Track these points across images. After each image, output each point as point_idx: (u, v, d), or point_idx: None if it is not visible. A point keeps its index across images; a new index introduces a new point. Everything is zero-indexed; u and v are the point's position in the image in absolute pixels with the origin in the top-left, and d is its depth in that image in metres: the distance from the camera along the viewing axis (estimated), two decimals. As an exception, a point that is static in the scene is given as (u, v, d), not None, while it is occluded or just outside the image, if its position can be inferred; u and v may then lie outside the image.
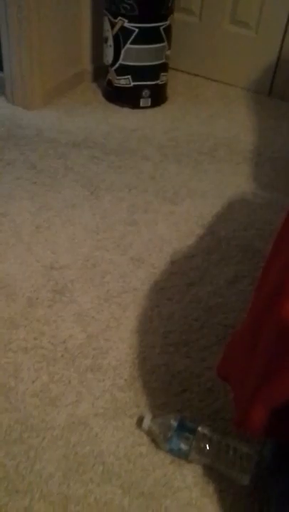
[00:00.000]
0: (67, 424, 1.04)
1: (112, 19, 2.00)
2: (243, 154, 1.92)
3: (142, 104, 2.15)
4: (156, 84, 2.14)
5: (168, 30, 2.05)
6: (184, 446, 0.97)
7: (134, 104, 2.14)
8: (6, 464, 0.97)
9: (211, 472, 0.97)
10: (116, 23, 2.00)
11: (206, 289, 1.37)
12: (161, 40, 2.05)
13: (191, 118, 2.12)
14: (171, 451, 0.98)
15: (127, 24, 1.98)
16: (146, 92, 2.13)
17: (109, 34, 2.04)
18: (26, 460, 0.98)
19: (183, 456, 0.97)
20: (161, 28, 2.02)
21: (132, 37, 2.00)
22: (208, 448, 0.96)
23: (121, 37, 2.02)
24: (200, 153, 1.91)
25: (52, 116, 2.05)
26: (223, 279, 1.40)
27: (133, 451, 1.00)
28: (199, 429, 0.98)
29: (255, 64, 2.26)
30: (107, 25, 2.04)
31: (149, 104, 2.15)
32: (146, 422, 1.00)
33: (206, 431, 0.98)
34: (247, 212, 1.64)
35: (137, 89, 2.11)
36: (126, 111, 2.13)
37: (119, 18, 1.97)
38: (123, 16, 1.96)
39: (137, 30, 1.99)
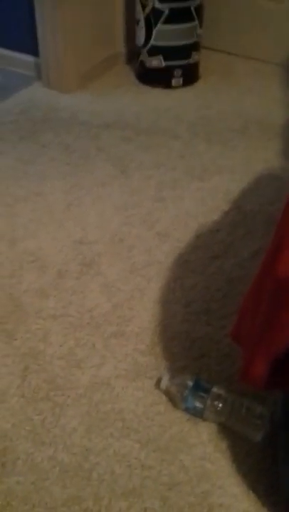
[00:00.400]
0: (91, 384, 1.11)
1: (143, 0, 2.03)
2: (274, 130, 1.91)
3: (173, 84, 2.17)
4: (188, 64, 2.15)
5: (199, 9, 2.06)
6: (198, 405, 1.01)
7: (166, 84, 2.17)
8: (34, 419, 1.05)
9: (225, 430, 1.02)
10: (147, 4, 2.02)
11: (229, 261, 1.40)
12: (192, 19, 2.06)
13: (222, 96, 2.13)
14: (186, 410, 1.03)
15: (157, 5, 2.00)
16: (177, 72, 2.15)
17: (140, 15, 2.07)
18: (52, 415, 1.05)
19: (198, 414, 1.02)
20: (192, 7, 2.03)
21: (163, 17, 2.03)
22: (221, 406, 1.00)
23: (152, 18, 2.04)
24: (230, 131, 1.92)
25: (86, 98, 2.11)
26: (247, 252, 1.42)
27: (151, 410, 1.06)
28: (214, 389, 1.02)
29: (287, 39, 2.23)
30: (138, 7, 2.07)
31: (181, 83, 2.17)
32: (164, 382, 1.06)
33: (220, 391, 1.02)
34: (274, 187, 1.64)
35: (168, 69, 2.14)
36: (158, 91, 2.16)
37: (150, -1, 2.00)
38: (153, -4, 1.99)
39: (167, 10, 2.01)
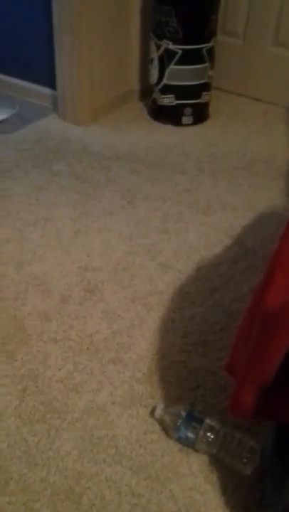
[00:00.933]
0: (87, 409, 1.12)
1: (158, 41, 2.13)
2: (279, 170, 1.97)
3: (184, 122, 2.25)
4: (198, 103, 2.24)
5: (211, 51, 2.16)
6: (190, 435, 1.03)
7: (177, 122, 2.25)
8: (28, 440, 1.06)
9: (216, 462, 1.03)
10: (161, 45, 2.12)
11: (229, 295, 1.43)
12: (203, 61, 2.15)
13: (230, 135, 2.20)
14: (179, 439, 1.05)
15: (171, 46, 2.10)
16: (188, 110, 2.23)
17: (154, 55, 2.17)
18: (47, 438, 1.07)
19: (190, 444, 1.04)
20: (204, 50, 2.13)
21: (176, 58, 2.12)
22: (213, 438, 1.01)
23: (165, 58, 2.14)
24: (236, 168, 1.98)
25: (99, 131, 2.19)
26: (246, 287, 1.45)
27: (145, 438, 1.07)
28: (207, 420, 1.04)
29: (298, 84, 2.32)
30: (153, 48, 2.17)
31: (191, 121, 2.25)
32: (158, 411, 1.07)
33: (213, 423, 1.04)
34: (277, 225, 1.69)
35: (179, 107, 2.22)
36: (168, 128, 2.24)
37: (164, 40, 2.10)
38: (168, 38, 2.09)
39: (180, 51, 2.10)
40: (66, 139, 2.12)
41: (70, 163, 1.97)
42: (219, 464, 1.03)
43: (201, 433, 1.02)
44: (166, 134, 2.20)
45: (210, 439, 1.01)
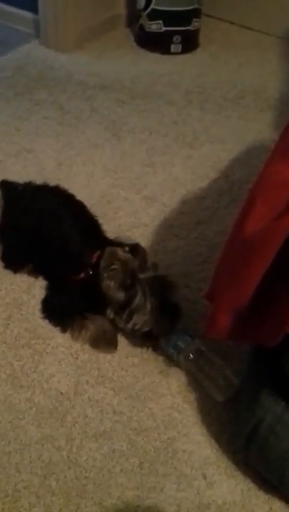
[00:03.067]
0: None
1: None
2: (269, 102, 1.92)
3: (172, 50, 2.16)
4: (188, 30, 2.14)
5: (202, -27, 2.04)
6: (175, 350, 1.07)
7: (165, 50, 2.16)
8: (14, 364, 1.10)
9: (194, 383, 1.07)
10: None
11: (213, 228, 1.43)
12: (194, -16, 2.04)
13: (221, 65, 2.12)
14: (166, 350, 1.09)
15: None
16: (177, 38, 2.14)
17: (142, -23, 2.05)
18: (31, 362, 1.10)
19: (173, 357, 1.08)
20: (195, -29, 2.01)
21: (165, -20, 2.00)
22: (192, 357, 1.05)
23: (154, -20, 2.02)
24: (225, 100, 1.93)
25: (83, 59, 2.10)
26: (230, 219, 1.45)
27: (126, 361, 1.11)
28: (195, 340, 1.07)
29: (292, 11, 2.21)
30: None
31: (180, 50, 2.16)
32: None
33: (199, 345, 1.07)
34: (264, 158, 1.66)
35: (168, 34, 2.12)
36: (156, 56, 2.15)
37: None
38: None
39: (169, -28, 1.99)
40: (49, 66, 2.04)
41: (53, 92, 1.90)
42: (197, 385, 1.07)
43: (186, 350, 1.06)
44: (153, 62, 2.12)
45: (190, 357, 1.06)
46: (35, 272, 1.26)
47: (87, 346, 1.13)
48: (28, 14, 2.18)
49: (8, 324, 1.17)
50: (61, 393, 1.05)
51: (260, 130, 1.79)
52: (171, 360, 1.09)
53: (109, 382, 1.07)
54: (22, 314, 1.19)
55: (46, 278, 1.25)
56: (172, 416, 1.03)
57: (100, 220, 1.42)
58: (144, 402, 1.04)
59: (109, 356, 1.12)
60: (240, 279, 0.74)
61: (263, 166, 0.84)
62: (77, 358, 1.11)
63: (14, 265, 1.28)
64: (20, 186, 1.34)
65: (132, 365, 1.10)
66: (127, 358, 1.12)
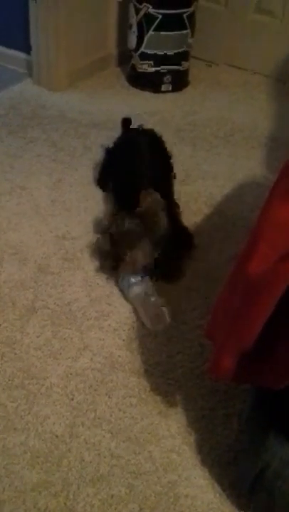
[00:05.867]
0: (66, 375, 1.13)
1: (138, 5, 2.07)
2: (259, 140, 1.96)
3: (163, 89, 2.21)
4: (178, 70, 2.20)
5: (191, 17, 2.11)
6: (126, 283, 1.27)
7: (156, 89, 2.21)
8: (7, 405, 1.06)
9: (194, 424, 1.05)
10: (140, 8, 2.06)
11: (209, 264, 1.43)
12: (184, 28, 2.11)
13: (210, 103, 2.17)
14: (120, 283, 1.29)
15: (151, 10, 2.04)
16: (167, 78, 2.19)
17: (133, 20, 2.11)
18: (25, 403, 1.07)
19: (124, 290, 1.29)
20: (185, 15, 2.08)
21: (156, 23, 2.07)
22: (136, 293, 1.25)
23: (144, 23, 2.08)
24: (216, 137, 1.96)
25: (75, 98, 2.13)
26: (226, 255, 1.45)
27: (124, 402, 1.08)
28: (145, 278, 1.26)
29: (279, 52, 2.29)
30: (132, 12, 2.11)
31: (171, 89, 2.22)
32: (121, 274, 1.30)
33: (147, 283, 1.26)
34: (256, 195, 1.69)
35: (158, 74, 2.18)
36: (147, 95, 2.20)
37: (144, 4, 2.04)
38: (147, 1, 2.03)
39: (160, 16, 2.05)
40: (41, 105, 2.07)
41: (46, 130, 1.92)
42: (197, 426, 1.05)
43: (134, 286, 1.25)
44: (144, 101, 2.16)
45: (136, 293, 1.25)
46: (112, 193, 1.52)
47: (82, 386, 1.10)
48: (21, 54, 2.23)
49: (1, 364, 1.14)
50: (56, 436, 1.02)
51: (251, 167, 1.82)
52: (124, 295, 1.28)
53: (107, 424, 1.04)
54: (15, 353, 1.16)
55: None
56: (172, 459, 0.99)
57: (89, 255, 1.42)
58: (142, 444, 1.01)
59: (106, 397, 1.09)
60: (245, 321, 0.73)
61: (264, 207, 0.84)
62: (72, 399, 1.08)
63: (102, 181, 1.61)
64: (138, 126, 1.69)
65: (129, 405, 1.07)
66: (124, 398, 1.09)
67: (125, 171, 1.51)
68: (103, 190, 1.59)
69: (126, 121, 1.74)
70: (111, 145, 1.66)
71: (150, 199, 1.27)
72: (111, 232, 1.28)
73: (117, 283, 1.34)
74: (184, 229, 1.45)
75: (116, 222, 1.28)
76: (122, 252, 1.26)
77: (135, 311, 1.27)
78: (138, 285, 1.27)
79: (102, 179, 1.65)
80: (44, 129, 1.92)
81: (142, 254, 1.25)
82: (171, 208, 1.39)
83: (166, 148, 1.60)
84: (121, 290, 1.31)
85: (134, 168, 1.47)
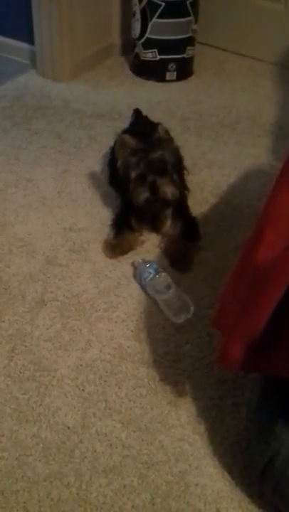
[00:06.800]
0: (76, 366, 1.13)
1: (140, -7, 2.04)
2: (265, 127, 1.95)
3: (167, 78, 2.19)
4: (182, 58, 2.18)
5: (194, 4, 2.08)
6: (144, 281, 1.29)
7: (160, 78, 2.19)
8: (19, 398, 1.07)
9: (203, 413, 1.05)
10: (143, -4, 2.04)
11: (216, 253, 1.43)
12: (187, 14, 2.08)
13: (215, 91, 2.16)
14: (139, 282, 1.31)
15: (154, -2, 2.02)
16: (172, 66, 2.17)
17: (136, 8, 2.09)
18: (37, 395, 1.08)
19: (143, 286, 1.30)
20: (188, 2, 2.05)
21: (159, 11, 2.05)
22: (159, 288, 1.26)
23: (148, 11, 2.06)
24: (222, 126, 1.95)
25: (79, 88, 2.12)
26: (233, 244, 1.45)
27: (134, 392, 1.09)
28: (162, 274, 1.29)
29: (284, 38, 2.26)
30: (135, 0, 2.09)
31: (175, 77, 2.20)
32: (137, 261, 1.35)
33: (165, 277, 1.28)
34: (262, 183, 1.68)
35: (163, 62, 2.16)
36: (152, 84, 2.19)
37: (147, -8, 2.02)
38: (150, -11, 2.00)
39: (163, 4, 2.03)
40: (46, 96, 2.06)
41: (51, 122, 1.92)
42: (207, 415, 1.05)
43: (152, 281, 1.27)
44: (149, 90, 2.14)
45: (157, 288, 1.26)
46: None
47: (92, 377, 1.11)
48: (24, 45, 2.21)
49: (12, 357, 1.15)
50: (68, 427, 1.03)
51: (257, 155, 1.81)
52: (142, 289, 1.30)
53: (117, 415, 1.05)
54: (26, 346, 1.17)
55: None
56: (183, 448, 1.00)
57: (97, 246, 1.43)
58: (153, 434, 1.02)
59: (116, 387, 1.10)
60: (253, 309, 0.73)
61: (270, 195, 0.83)
62: (83, 390, 1.09)
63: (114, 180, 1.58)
64: (148, 120, 1.69)
65: (139, 396, 1.08)
66: (134, 389, 1.10)
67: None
68: (116, 191, 1.56)
69: (138, 112, 1.72)
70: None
71: (162, 129, 1.39)
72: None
73: (123, 274, 1.35)
74: (191, 219, 1.45)
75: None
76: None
77: (143, 301, 1.28)
78: (155, 280, 1.27)
79: (114, 177, 1.59)
80: (49, 120, 1.92)
81: (169, 183, 1.33)
82: (183, 198, 1.44)
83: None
84: (139, 283, 1.32)
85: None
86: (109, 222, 1.51)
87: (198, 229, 1.45)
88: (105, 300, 1.29)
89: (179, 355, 1.17)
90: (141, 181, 1.33)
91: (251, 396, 1.06)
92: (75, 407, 1.06)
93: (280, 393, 0.87)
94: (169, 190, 1.33)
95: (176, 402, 1.07)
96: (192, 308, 1.23)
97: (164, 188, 1.33)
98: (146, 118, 1.70)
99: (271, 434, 0.83)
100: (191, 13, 2.08)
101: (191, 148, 1.82)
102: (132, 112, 1.75)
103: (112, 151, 1.62)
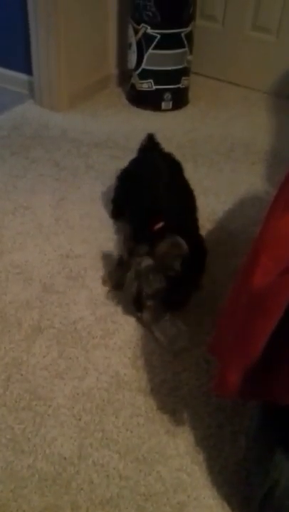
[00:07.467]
0: (72, 395, 1.12)
1: (136, 26, 2.10)
2: (259, 155, 1.98)
3: (163, 107, 2.24)
4: (178, 88, 2.22)
5: (189, 36, 2.14)
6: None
7: (156, 107, 2.23)
8: (14, 428, 1.06)
9: (202, 442, 1.04)
10: (139, 29, 2.10)
11: (211, 278, 1.43)
12: (182, 46, 2.14)
13: (210, 120, 2.20)
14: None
15: (149, 30, 2.08)
16: (167, 96, 2.22)
17: (132, 40, 2.15)
18: (33, 425, 1.06)
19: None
20: (183, 34, 2.11)
21: (154, 43, 2.10)
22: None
23: (144, 43, 2.11)
24: (217, 154, 1.98)
25: (77, 117, 2.16)
26: (229, 270, 1.45)
27: (131, 421, 1.08)
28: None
29: (276, 68, 2.32)
30: (131, 32, 2.15)
31: (171, 107, 2.24)
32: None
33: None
34: (258, 209, 1.70)
35: (158, 92, 2.20)
36: (148, 113, 2.23)
37: (142, 24, 2.07)
38: (146, 22, 2.06)
39: (158, 36, 2.08)
40: (44, 125, 2.09)
41: (49, 150, 1.94)
42: (205, 444, 1.04)
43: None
44: (145, 119, 2.18)
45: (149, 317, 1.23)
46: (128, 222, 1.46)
47: (89, 406, 1.10)
48: (22, 76, 2.26)
49: (8, 385, 1.14)
50: (64, 458, 1.01)
51: (253, 182, 1.83)
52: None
53: (114, 445, 1.03)
54: (22, 374, 1.16)
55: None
56: (181, 479, 0.99)
57: (99, 274, 1.43)
58: (151, 465, 1.00)
59: (113, 417, 1.08)
60: (250, 335, 0.73)
61: (265, 220, 0.85)
62: (80, 420, 1.08)
63: (117, 210, 1.54)
64: (159, 147, 1.62)
65: (136, 425, 1.07)
66: (132, 418, 1.08)
67: (143, 199, 1.40)
68: (117, 219, 1.55)
69: (151, 138, 1.64)
70: (124, 171, 1.58)
71: (169, 244, 1.21)
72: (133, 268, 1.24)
73: (120, 301, 1.34)
74: (202, 255, 1.35)
75: (134, 260, 1.23)
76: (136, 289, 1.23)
77: (140, 328, 1.27)
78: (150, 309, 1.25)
79: (117, 208, 1.59)
80: (46, 149, 1.95)
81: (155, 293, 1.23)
82: (197, 243, 1.32)
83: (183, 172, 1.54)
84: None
85: (154, 195, 1.37)
86: (106, 248, 1.51)
87: (204, 264, 1.34)
88: (102, 327, 1.28)
89: (176, 382, 1.16)
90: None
91: (250, 424, 1.05)
92: (71, 437, 1.04)
93: (278, 421, 0.86)
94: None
95: (174, 432, 1.06)
96: (187, 335, 1.22)
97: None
98: (157, 145, 1.63)
99: (270, 463, 0.82)
100: (186, 44, 2.14)
101: (187, 175, 1.84)
102: (128, 141, 1.75)
103: (121, 178, 1.57)
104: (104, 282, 1.38)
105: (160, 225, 1.26)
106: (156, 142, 1.65)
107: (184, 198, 1.43)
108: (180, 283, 1.22)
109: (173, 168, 1.52)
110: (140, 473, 0.99)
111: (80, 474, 0.99)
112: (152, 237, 1.24)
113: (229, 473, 1.00)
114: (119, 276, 1.29)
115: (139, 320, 1.28)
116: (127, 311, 1.32)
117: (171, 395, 1.13)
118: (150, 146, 1.62)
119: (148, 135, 1.67)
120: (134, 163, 1.57)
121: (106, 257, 1.46)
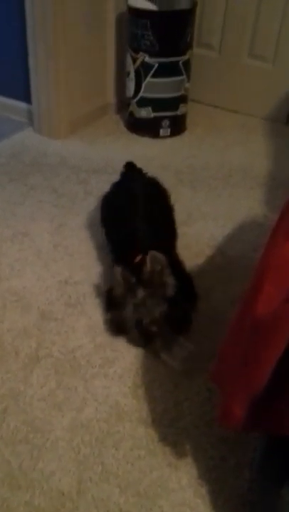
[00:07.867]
0: (71, 427, 1.09)
1: (134, 54, 2.13)
2: (257, 180, 1.98)
3: (161, 134, 2.25)
4: (176, 115, 2.25)
5: (187, 64, 2.17)
6: None
7: (154, 134, 2.25)
8: (11, 462, 1.02)
9: (205, 475, 1.00)
10: (137, 58, 2.13)
11: (211, 304, 1.41)
12: (180, 74, 2.17)
13: (208, 146, 2.21)
14: None
15: (147, 59, 2.11)
16: (165, 123, 2.24)
17: (131, 68, 2.18)
18: (30, 459, 1.03)
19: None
20: (180, 62, 2.14)
21: (152, 71, 2.13)
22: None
23: (142, 71, 2.14)
24: (215, 179, 1.99)
25: (75, 145, 2.17)
26: (229, 296, 1.44)
27: (132, 454, 1.04)
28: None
29: (273, 95, 2.35)
30: (129, 60, 2.18)
31: (169, 133, 2.26)
32: None
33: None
34: (257, 234, 1.69)
35: (156, 119, 2.23)
36: (146, 140, 2.24)
37: (140, 53, 2.11)
38: (144, 51, 2.10)
39: (156, 64, 2.12)
40: (42, 152, 2.10)
41: (47, 177, 1.95)
42: (208, 476, 1.00)
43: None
44: (143, 146, 2.20)
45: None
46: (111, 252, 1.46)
47: (88, 438, 1.07)
48: (22, 104, 2.29)
49: (4, 417, 1.11)
50: (63, 493, 0.97)
51: (251, 206, 1.83)
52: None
53: (115, 479, 1.00)
54: (19, 406, 1.13)
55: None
56: (184, 514, 0.95)
57: (98, 301, 1.41)
58: (153, 499, 0.97)
59: (113, 449, 1.05)
60: (254, 364, 0.71)
61: (266, 247, 0.83)
62: (78, 453, 1.04)
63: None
64: (141, 172, 1.64)
65: (137, 458, 1.04)
66: (132, 450, 1.05)
67: (122, 226, 1.43)
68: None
69: (129, 165, 1.70)
70: (105, 198, 1.60)
71: (152, 261, 1.22)
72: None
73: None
74: (188, 280, 1.37)
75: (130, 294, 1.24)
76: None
77: (140, 355, 1.25)
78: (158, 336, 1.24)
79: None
80: (45, 176, 1.95)
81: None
82: (176, 262, 1.35)
83: (167, 198, 1.56)
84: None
85: (131, 223, 1.39)
86: (105, 275, 1.50)
87: (194, 290, 1.36)
88: (101, 355, 1.26)
89: (178, 412, 1.13)
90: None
91: (254, 455, 1.01)
92: (69, 471, 1.01)
93: (284, 452, 0.83)
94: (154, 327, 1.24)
95: (176, 464, 1.02)
96: (195, 354, 1.20)
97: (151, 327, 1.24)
98: (139, 171, 1.68)
99: (275, 496, 0.79)
100: (184, 72, 2.17)
101: (185, 201, 1.85)
102: (124, 164, 1.75)
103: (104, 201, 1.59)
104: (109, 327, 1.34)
105: (139, 257, 1.27)
106: (138, 169, 1.68)
107: (162, 225, 1.46)
108: (177, 300, 1.23)
109: (153, 194, 1.54)
110: (142, 508, 0.95)
111: (79, 510, 0.95)
112: (134, 270, 1.24)
113: (233, 507, 0.96)
114: (119, 320, 1.28)
115: (151, 351, 1.26)
116: (127, 338, 1.30)
117: (173, 426, 1.10)
118: (130, 174, 1.66)
119: (126, 164, 1.71)
120: (114, 187, 1.60)
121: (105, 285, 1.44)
